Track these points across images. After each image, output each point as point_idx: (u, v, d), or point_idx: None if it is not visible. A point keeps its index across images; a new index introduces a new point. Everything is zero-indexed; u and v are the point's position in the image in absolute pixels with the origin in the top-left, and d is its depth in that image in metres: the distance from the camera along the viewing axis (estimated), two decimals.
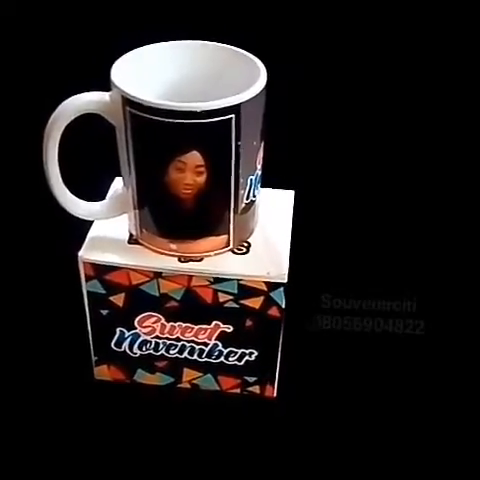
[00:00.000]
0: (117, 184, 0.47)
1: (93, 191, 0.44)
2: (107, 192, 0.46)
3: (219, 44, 0.41)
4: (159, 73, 0.41)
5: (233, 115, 0.36)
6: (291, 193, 0.48)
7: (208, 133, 0.37)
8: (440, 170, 0.65)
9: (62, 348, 0.48)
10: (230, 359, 0.45)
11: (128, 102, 0.36)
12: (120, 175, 0.46)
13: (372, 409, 0.45)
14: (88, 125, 0.40)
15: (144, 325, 0.44)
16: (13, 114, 0.71)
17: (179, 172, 0.38)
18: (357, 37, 0.78)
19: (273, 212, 0.46)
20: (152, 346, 0.45)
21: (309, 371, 0.48)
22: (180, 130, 0.36)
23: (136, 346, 0.45)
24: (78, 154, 0.40)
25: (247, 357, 0.44)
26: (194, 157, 0.37)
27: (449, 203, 0.62)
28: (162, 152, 0.37)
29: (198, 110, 0.36)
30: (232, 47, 0.41)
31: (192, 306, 0.42)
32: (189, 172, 0.38)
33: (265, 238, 0.44)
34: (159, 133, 0.37)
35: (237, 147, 0.38)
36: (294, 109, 0.58)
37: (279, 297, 0.41)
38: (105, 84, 0.39)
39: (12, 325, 0.50)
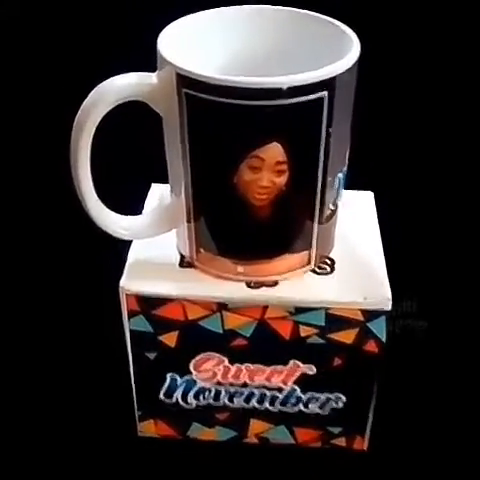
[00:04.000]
0: (155, 192, 0.38)
1: (123, 202, 0.36)
2: (141, 204, 0.38)
3: (294, 9, 0.32)
4: (217, 46, 0.32)
5: (326, 92, 0.27)
6: (370, 195, 0.39)
7: (294, 118, 0.28)
8: (440, 171, 0.56)
9: (98, 400, 0.39)
10: (310, 406, 0.36)
11: (186, 81, 0.27)
12: (156, 180, 0.38)
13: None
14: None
15: (202, 369, 0.35)
16: (34, 107, 0.60)
17: (254, 172, 0.29)
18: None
19: (353, 218, 0.37)
20: (212, 395, 0.36)
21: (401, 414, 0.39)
22: (258, 115, 0.27)
23: (191, 395, 0.36)
24: (96, 156, 0.31)
25: (332, 404, 0.35)
26: (275, 151, 0.28)
27: (449, 203, 0.54)
28: (232, 146, 0.28)
29: (283, 87, 0.27)
30: (312, 12, 0.32)
31: (265, 343, 0.33)
32: (267, 171, 0.29)
33: (351, 252, 0.35)
34: (229, 120, 0.28)
35: (328, 135, 0.29)
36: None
37: (379, 328, 0.32)
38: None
39: (40, 372, 0.41)
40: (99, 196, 0.32)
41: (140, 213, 0.36)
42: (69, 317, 0.43)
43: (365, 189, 0.39)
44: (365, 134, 0.39)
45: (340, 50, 0.29)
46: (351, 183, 0.36)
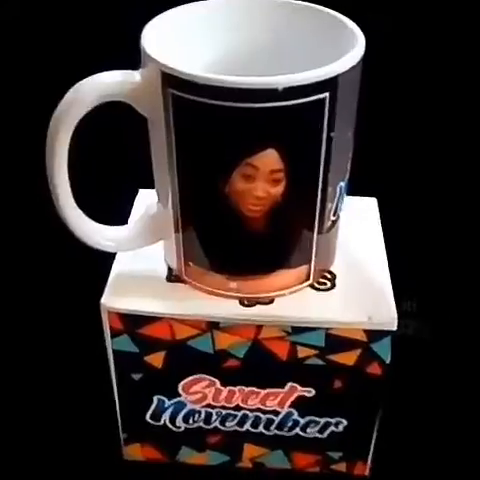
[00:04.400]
0: (143, 198, 0.36)
1: (106, 211, 0.33)
2: (128, 212, 0.35)
3: (292, 0, 0.29)
4: (206, 41, 0.29)
5: (327, 93, 0.25)
6: (374, 201, 0.36)
7: (292, 121, 0.25)
8: (444, 173, 0.54)
9: (82, 422, 0.36)
10: (309, 431, 0.33)
11: (171, 80, 0.25)
12: (145, 186, 0.35)
13: None
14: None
15: (192, 391, 0.32)
16: (13, 108, 0.55)
17: (247, 181, 0.26)
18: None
19: (355, 227, 0.34)
20: (202, 417, 0.33)
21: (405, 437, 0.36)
22: (251, 119, 0.24)
23: (180, 418, 0.33)
24: (78, 158, 0.28)
25: (332, 428, 0.33)
26: (270, 158, 0.25)
27: (450, 203, 0.52)
28: (223, 153, 0.26)
29: (279, 87, 0.24)
30: (310, 4, 0.29)
31: (259, 365, 0.31)
32: (261, 180, 0.26)
33: (353, 266, 0.32)
34: (219, 124, 0.25)
35: (329, 141, 0.26)
36: None
37: (383, 349, 0.30)
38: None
39: (21, 393, 0.38)
40: (80, 204, 0.30)
41: (127, 221, 0.34)
42: (50, 335, 0.40)
43: (368, 195, 0.37)
44: (367, 135, 0.36)
45: (343, 46, 0.26)
46: (353, 189, 0.34)
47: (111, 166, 0.46)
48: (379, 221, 0.35)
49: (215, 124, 0.25)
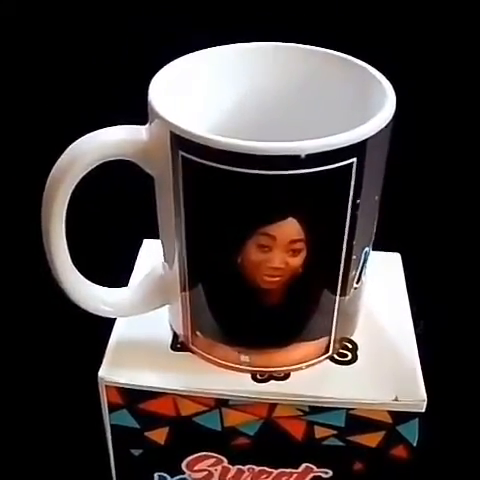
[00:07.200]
0: (148, 252, 0.33)
1: (107, 263, 0.30)
2: (131, 264, 0.32)
3: (314, 48, 0.26)
4: (221, 93, 0.26)
5: (355, 159, 0.22)
6: (397, 256, 0.34)
7: (315, 189, 0.22)
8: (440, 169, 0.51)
9: None
10: None
11: (182, 143, 0.22)
12: (149, 235, 0.32)
13: None
14: None
15: (196, 469, 0.29)
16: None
17: (263, 251, 0.23)
18: None
19: (377, 287, 0.31)
20: None
21: None
22: (270, 187, 0.22)
23: None
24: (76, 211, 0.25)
25: None
26: (289, 228, 0.23)
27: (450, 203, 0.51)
28: (236, 221, 0.23)
29: (302, 154, 0.21)
30: (335, 52, 0.26)
31: (272, 444, 0.28)
32: (279, 250, 0.23)
33: (376, 333, 0.29)
34: (233, 192, 0.22)
35: (354, 207, 0.23)
36: None
37: (410, 432, 0.27)
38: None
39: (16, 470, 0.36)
40: (78, 258, 0.27)
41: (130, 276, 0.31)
42: (46, 404, 0.38)
43: (391, 250, 0.34)
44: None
45: (371, 104, 0.24)
46: (374, 244, 0.31)
47: (114, 213, 0.43)
48: (404, 279, 0.32)
49: (229, 191, 0.22)
